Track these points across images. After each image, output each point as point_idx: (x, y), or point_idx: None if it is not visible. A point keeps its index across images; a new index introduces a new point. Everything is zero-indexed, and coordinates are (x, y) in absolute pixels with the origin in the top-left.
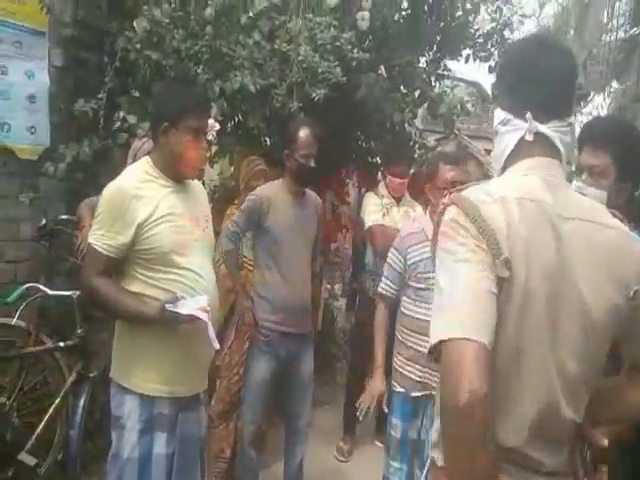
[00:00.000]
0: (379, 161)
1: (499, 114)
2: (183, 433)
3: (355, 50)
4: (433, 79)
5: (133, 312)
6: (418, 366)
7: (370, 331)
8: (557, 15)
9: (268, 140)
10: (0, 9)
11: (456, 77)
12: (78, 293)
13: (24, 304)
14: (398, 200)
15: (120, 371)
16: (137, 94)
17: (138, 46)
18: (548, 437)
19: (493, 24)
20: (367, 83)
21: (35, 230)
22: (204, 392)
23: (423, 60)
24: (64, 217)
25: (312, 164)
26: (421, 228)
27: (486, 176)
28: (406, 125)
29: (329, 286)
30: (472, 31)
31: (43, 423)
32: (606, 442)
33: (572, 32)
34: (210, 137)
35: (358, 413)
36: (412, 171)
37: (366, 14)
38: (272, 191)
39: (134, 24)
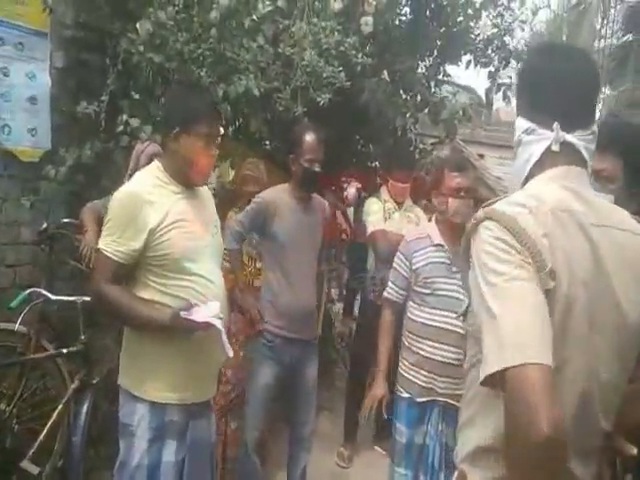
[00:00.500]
0: (378, 165)
1: (523, 123)
2: (194, 440)
3: (359, 55)
4: (432, 84)
5: (146, 319)
6: (423, 371)
7: (372, 337)
8: (550, 21)
9: (270, 144)
10: (2, 10)
11: (450, 82)
12: (83, 299)
13: (27, 309)
14: (400, 205)
15: (129, 379)
16: (139, 97)
17: (141, 48)
18: (582, 447)
19: (494, 30)
20: (370, 88)
21: (36, 234)
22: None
23: (422, 65)
24: (66, 220)
25: (317, 169)
26: (426, 233)
27: (479, 180)
28: (408, 130)
29: (327, 290)
30: (473, 36)
31: (45, 430)
32: (635, 451)
33: (565, 38)
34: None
35: (360, 417)
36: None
37: (369, 19)
38: (278, 195)
39: (137, 26)
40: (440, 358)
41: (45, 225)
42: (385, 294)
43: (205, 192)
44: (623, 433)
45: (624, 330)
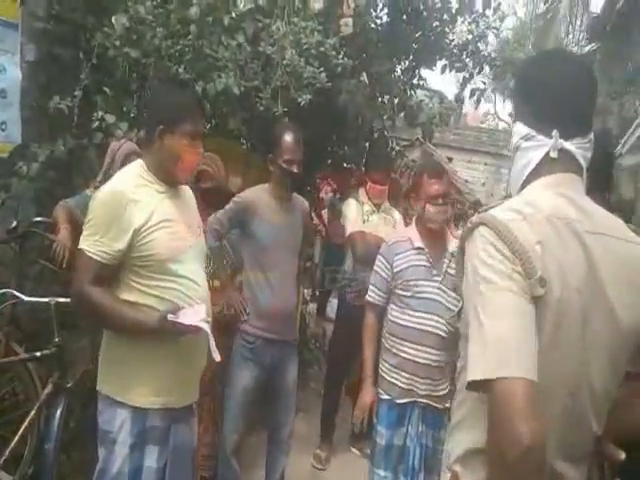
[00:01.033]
0: (354, 167)
1: (521, 129)
2: (176, 445)
3: (339, 56)
4: (407, 88)
5: (131, 322)
6: (404, 373)
7: (349, 338)
8: (516, 28)
9: (247, 143)
10: None
11: (422, 86)
12: (56, 300)
13: None
14: (378, 206)
15: (110, 384)
16: (114, 93)
17: (117, 43)
18: (574, 451)
19: (469, 36)
20: (348, 89)
21: (5, 232)
22: (195, 402)
23: (398, 68)
24: (37, 219)
25: (295, 170)
26: (407, 237)
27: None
28: (384, 132)
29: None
30: (448, 41)
31: (17, 437)
32: (623, 455)
33: (531, 46)
34: None
35: (353, 425)
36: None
37: (349, 20)
38: (257, 195)
39: (113, 20)
40: (421, 360)
41: (15, 223)
42: (367, 298)
43: (187, 192)
44: (612, 438)
45: (617, 335)
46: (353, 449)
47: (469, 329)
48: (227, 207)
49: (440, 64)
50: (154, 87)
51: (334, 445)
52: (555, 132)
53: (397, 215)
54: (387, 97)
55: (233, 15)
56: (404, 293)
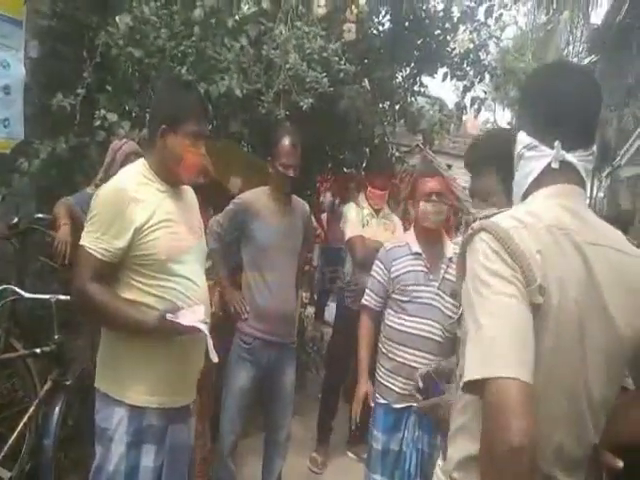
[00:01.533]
0: (354, 172)
1: (524, 138)
2: (173, 445)
3: (342, 62)
4: (409, 94)
5: (130, 321)
6: (400, 378)
7: (347, 342)
8: (517, 38)
9: (248, 146)
10: None
11: (423, 93)
12: (57, 297)
13: None
14: (378, 212)
15: (107, 381)
16: (116, 91)
17: (120, 42)
18: (572, 460)
19: (471, 45)
20: (350, 95)
21: (6, 228)
22: (193, 403)
23: (400, 75)
24: (39, 216)
25: (291, 174)
26: (405, 242)
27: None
28: (385, 138)
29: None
30: (449, 49)
31: (16, 433)
32: (621, 464)
33: (531, 56)
34: None
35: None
36: None
37: (352, 26)
38: (257, 197)
39: (117, 20)
40: (417, 365)
41: (16, 219)
42: (363, 301)
43: (189, 192)
44: (610, 446)
45: (615, 344)
46: (350, 453)
47: (468, 333)
48: (227, 209)
49: (441, 72)
50: (158, 87)
51: (331, 449)
52: (557, 143)
53: (397, 220)
54: (388, 103)
55: (237, 18)
56: (401, 298)
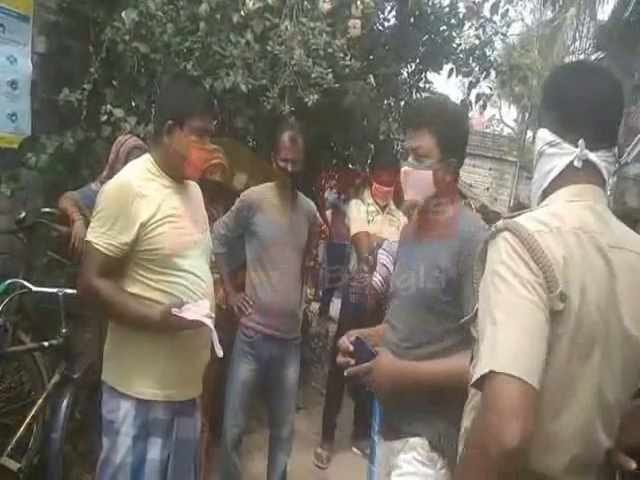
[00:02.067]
0: (359, 168)
1: (546, 135)
2: (179, 438)
3: (347, 57)
4: (414, 91)
5: (136, 315)
6: None
7: None
8: (523, 34)
9: (254, 142)
10: None
11: (428, 90)
12: (64, 291)
13: (7, 300)
14: (383, 208)
15: (114, 374)
16: (122, 87)
17: (126, 37)
18: (585, 465)
19: (476, 41)
20: (355, 91)
21: (14, 222)
22: (199, 397)
23: (405, 71)
24: (46, 210)
25: (290, 168)
26: None
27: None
28: (391, 134)
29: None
30: (455, 46)
31: (24, 426)
32: (634, 465)
33: (537, 53)
34: None
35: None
36: None
37: (357, 22)
38: (261, 193)
39: (123, 15)
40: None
41: (24, 214)
42: (372, 283)
43: (195, 188)
44: (623, 447)
45: (629, 350)
46: (354, 449)
47: (484, 329)
48: (232, 208)
49: (447, 68)
50: (164, 82)
51: (335, 444)
52: (581, 141)
53: (402, 216)
54: (393, 99)
55: (242, 13)
56: None
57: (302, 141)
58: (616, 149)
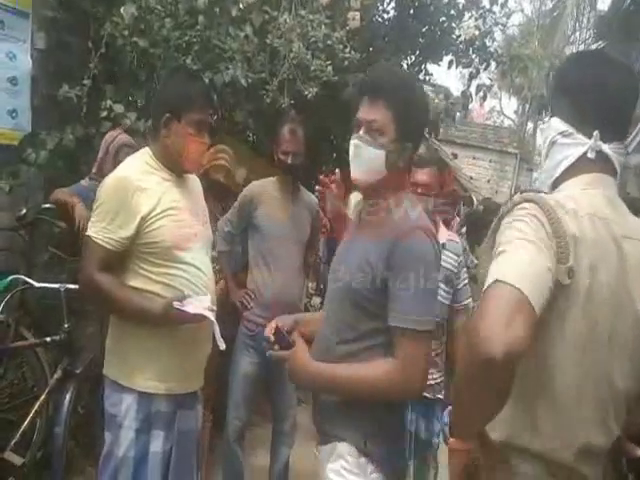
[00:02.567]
0: None
1: (559, 125)
2: (181, 430)
3: (346, 50)
4: None
5: (139, 310)
6: None
7: None
8: (523, 25)
9: (253, 136)
10: None
11: (428, 81)
12: (66, 286)
13: (8, 296)
14: None
15: (116, 368)
16: (122, 82)
17: (125, 32)
18: (594, 452)
19: (476, 32)
20: (354, 83)
21: (14, 219)
22: (201, 389)
23: (405, 63)
24: (46, 206)
25: (289, 161)
26: None
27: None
28: None
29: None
30: (454, 37)
31: (27, 421)
32: None
33: (537, 43)
34: None
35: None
36: None
37: (357, 14)
38: (262, 187)
39: (121, 10)
40: None
41: (24, 210)
42: None
43: (194, 181)
44: (631, 436)
45: (638, 338)
46: None
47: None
48: (234, 204)
49: (446, 59)
50: (163, 75)
51: None
52: (596, 133)
53: None
54: None
55: (241, 6)
56: None
57: (302, 134)
58: (627, 142)
